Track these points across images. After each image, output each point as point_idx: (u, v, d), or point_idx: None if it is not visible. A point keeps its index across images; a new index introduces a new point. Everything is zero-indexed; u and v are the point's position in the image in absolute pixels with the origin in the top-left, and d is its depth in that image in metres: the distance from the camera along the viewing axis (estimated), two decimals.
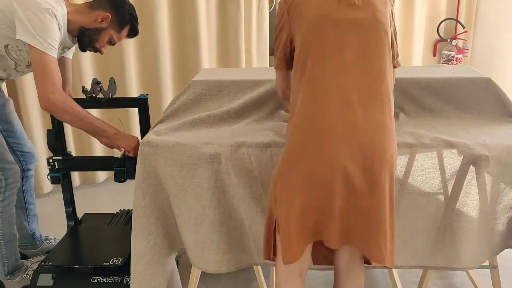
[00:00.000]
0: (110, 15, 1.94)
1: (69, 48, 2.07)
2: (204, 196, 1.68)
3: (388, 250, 1.41)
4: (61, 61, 2.09)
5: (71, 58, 2.19)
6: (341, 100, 1.38)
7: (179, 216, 1.73)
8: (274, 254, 1.52)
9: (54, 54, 1.81)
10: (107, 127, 1.90)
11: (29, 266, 2.26)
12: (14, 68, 1.99)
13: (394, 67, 1.55)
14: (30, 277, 2.08)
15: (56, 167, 2.11)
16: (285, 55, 1.58)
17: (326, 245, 1.45)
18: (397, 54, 1.57)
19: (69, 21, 1.92)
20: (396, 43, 1.57)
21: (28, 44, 1.78)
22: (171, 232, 1.80)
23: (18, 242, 2.29)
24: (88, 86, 2.10)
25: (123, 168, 1.96)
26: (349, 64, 1.41)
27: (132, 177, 1.81)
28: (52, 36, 1.79)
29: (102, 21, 1.94)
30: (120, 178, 1.97)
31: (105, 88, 2.07)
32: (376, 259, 1.41)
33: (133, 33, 2.05)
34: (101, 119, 1.92)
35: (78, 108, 1.83)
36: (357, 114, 1.37)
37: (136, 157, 1.74)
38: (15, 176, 2.09)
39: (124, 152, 1.97)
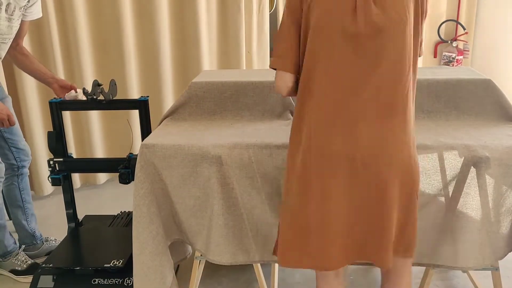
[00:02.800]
0: None
1: (31, 5, 2.09)
2: (207, 185, 1.70)
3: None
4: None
5: (40, 16, 2.20)
6: (346, 115, 1.34)
7: (181, 204, 1.74)
8: None
9: None
10: None
11: (19, 252, 2.30)
12: None
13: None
14: (21, 263, 2.22)
15: (57, 169, 2.11)
16: (292, 50, 1.39)
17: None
18: (421, 41, 1.42)
19: None
20: (422, 28, 1.40)
21: None
22: (166, 223, 1.81)
23: (19, 243, 2.32)
24: (89, 88, 2.11)
25: (128, 169, 1.96)
26: (362, 75, 1.32)
27: None
28: None
29: None
30: (125, 179, 1.97)
31: (106, 89, 2.07)
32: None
33: None
34: None
35: None
36: (361, 128, 1.33)
37: None
38: None
39: (130, 154, 1.99)
